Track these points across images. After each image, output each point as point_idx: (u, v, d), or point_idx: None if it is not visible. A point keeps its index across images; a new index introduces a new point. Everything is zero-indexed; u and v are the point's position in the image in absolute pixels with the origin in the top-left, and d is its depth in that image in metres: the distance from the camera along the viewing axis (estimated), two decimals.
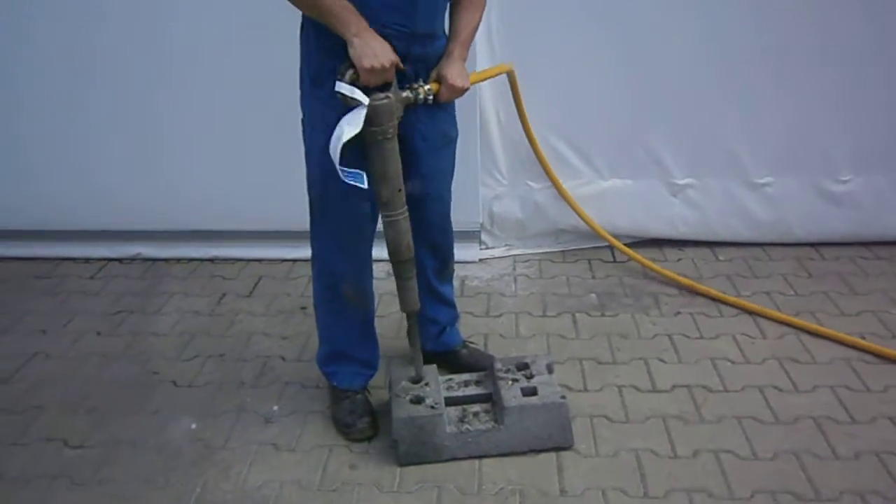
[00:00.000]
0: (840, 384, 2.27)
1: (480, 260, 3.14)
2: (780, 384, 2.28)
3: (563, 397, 2.00)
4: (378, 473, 1.99)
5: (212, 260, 3.23)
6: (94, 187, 3.17)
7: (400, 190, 1.89)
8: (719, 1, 2.79)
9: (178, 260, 3.24)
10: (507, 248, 3.20)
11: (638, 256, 2.98)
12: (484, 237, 3.19)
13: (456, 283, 2.88)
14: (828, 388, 2.25)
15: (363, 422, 2.12)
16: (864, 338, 2.49)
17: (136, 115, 3.05)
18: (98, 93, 3.03)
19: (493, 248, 3.20)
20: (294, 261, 3.16)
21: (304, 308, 2.81)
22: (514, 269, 3.08)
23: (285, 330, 2.70)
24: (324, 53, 1.83)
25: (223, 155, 3.05)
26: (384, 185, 1.86)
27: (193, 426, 2.21)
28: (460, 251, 3.02)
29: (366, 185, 1.82)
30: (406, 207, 1.92)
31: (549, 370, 2.05)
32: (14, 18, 2.94)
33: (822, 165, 3.02)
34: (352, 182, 1.81)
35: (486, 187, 3.10)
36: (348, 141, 1.75)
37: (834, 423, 2.11)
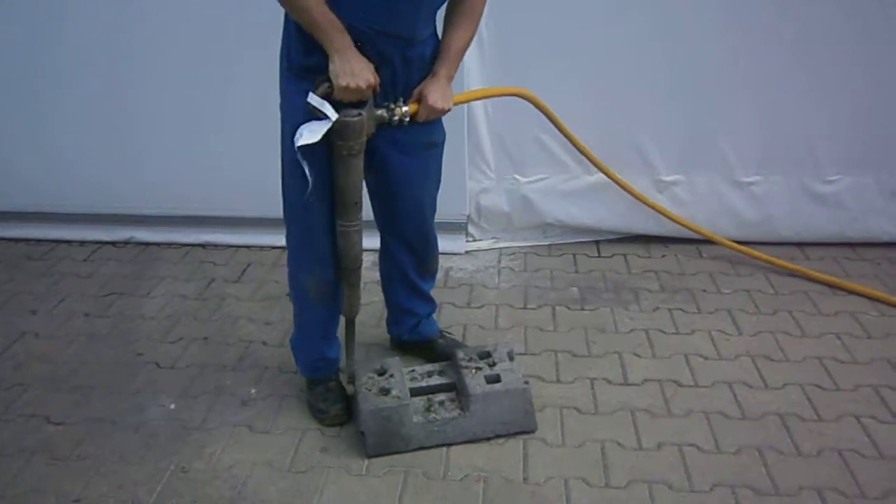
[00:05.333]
0: (810, 382, 2.29)
1: (467, 252, 3.17)
2: (751, 381, 2.30)
3: (527, 383, 2.04)
4: (348, 457, 2.04)
5: (203, 245, 3.28)
6: (89, 172, 3.21)
7: (356, 203, 1.92)
8: (705, 0, 2.80)
9: (170, 244, 3.29)
10: (494, 240, 3.23)
11: (762, 254, 2.99)
12: (471, 229, 3.22)
13: (440, 273, 2.92)
14: (798, 385, 2.28)
15: (336, 408, 2.16)
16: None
17: (132, 104, 3.09)
18: (94, 82, 3.07)
19: (479, 240, 3.23)
20: (283, 248, 3.14)
21: (289, 294, 2.84)
22: (500, 261, 3.11)
23: (270, 316, 2.75)
24: (303, 49, 1.85)
25: (218, 142, 3.09)
26: (341, 196, 1.90)
27: (172, 406, 2.27)
28: (447, 242, 3.08)
29: (310, 181, 1.84)
30: (360, 220, 1.95)
31: (511, 357, 2.08)
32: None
33: (808, 165, 3.02)
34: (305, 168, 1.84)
35: (474, 180, 3.12)
36: (313, 144, 1.77)
37: (800, 420, 2.13)
